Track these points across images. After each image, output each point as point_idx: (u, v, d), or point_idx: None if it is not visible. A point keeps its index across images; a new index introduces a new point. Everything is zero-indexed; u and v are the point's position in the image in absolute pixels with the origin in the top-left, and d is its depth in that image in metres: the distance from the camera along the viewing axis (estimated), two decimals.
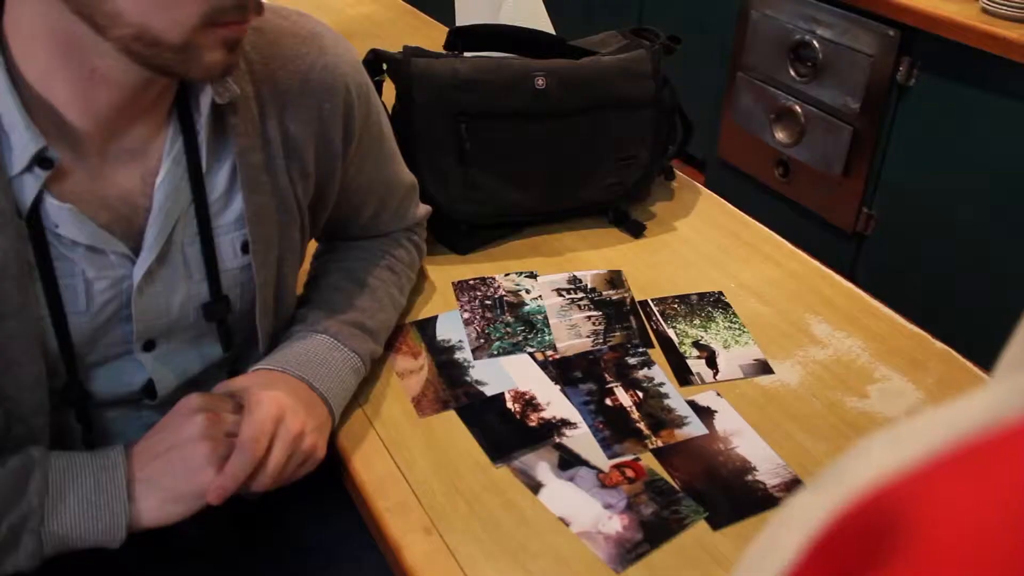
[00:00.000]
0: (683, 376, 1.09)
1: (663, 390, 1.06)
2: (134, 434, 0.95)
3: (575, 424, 1.00)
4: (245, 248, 0.92)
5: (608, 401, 1.04)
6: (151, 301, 0.87)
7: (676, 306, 1.21)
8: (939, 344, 1.15)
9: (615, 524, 0.88)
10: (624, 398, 1.04)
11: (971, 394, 0.29)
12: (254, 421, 0.85)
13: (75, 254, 0.81)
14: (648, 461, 0.96)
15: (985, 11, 2.11)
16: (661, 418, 1.01)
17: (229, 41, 0.77)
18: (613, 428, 1.00)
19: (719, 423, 1.01)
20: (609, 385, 1.06)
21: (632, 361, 1.10)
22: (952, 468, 0.25)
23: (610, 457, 0.96)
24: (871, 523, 0.26)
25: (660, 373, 1.09)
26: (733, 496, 0.92)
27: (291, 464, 0.88)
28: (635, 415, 1.02)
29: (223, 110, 0.87)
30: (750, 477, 0.95)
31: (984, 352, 0.32)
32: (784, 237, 1.39)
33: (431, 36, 2.07)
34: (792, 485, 0.94)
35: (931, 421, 0.29)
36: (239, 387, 0.90)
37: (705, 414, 1.03)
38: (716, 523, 0.89)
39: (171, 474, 0.83)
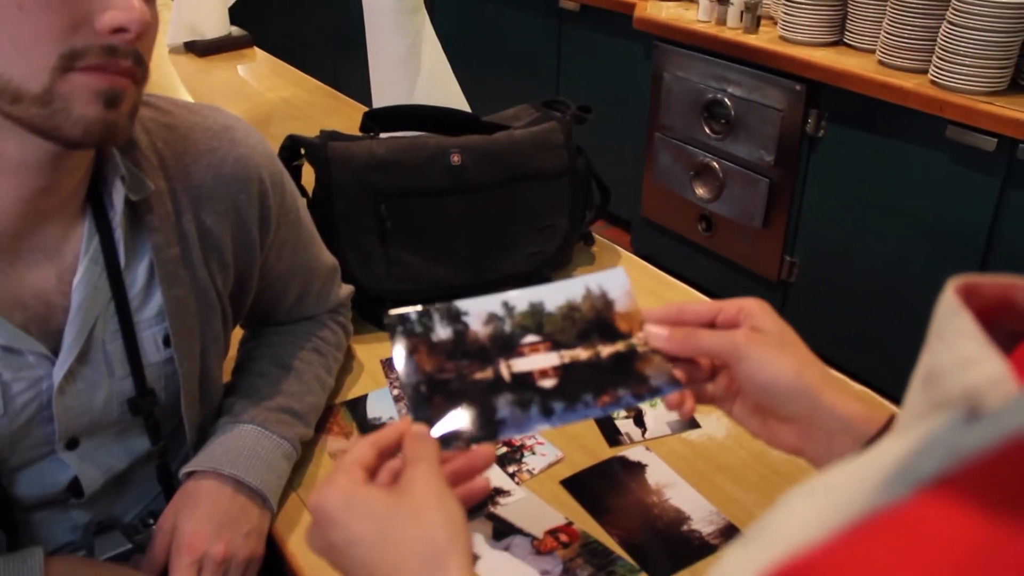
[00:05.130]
0: (612, 436, 1.10)
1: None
2: (62, 536, 0.93)
3: (508, 492, 1.01)
4: (167, 341, 0.92)
5: None
6: (73, 400, 0.86)
7: None
8: (857, 386, 1.19)
9: None
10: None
11: (882, 446, 0.30)
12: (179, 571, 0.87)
13: None
14: (583, 523, 0.97)
15: (882, 63, 2.22)
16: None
17: (105, 94, 0.72)
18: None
19: (651, 477, 1.03)
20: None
21: None
22: (872, 537, 0.26)
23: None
24: None
25: None
26: (671, 547, 0.94)
27: None
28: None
29: (138, 206, 0.88)
30: (685, 527, 0.96)
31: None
32: (711, 290, 1.43)
33: (351, 116, 2.10)
34: (727, 531, 0.96)
35: (846, 475, 0.30)
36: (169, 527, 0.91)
37: (636, 469, 1.04)
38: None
39: None
